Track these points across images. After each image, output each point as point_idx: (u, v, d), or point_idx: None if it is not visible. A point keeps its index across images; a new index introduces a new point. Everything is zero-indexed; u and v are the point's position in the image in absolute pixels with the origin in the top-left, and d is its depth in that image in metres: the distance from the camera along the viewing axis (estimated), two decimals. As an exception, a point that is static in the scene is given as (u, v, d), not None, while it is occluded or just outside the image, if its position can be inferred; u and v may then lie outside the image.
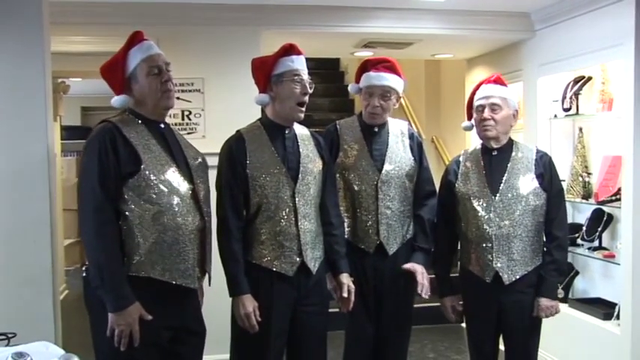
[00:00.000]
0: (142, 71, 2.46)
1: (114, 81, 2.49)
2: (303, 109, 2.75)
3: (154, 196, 2.37)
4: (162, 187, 2.39)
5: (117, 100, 2.48)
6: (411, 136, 3.19)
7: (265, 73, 2.75)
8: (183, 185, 2.46)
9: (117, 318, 2.29)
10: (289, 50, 2.76)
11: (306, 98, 2.75)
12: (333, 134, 3.14)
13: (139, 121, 2.48)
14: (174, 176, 2.44)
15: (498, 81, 3.04)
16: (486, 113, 2.95)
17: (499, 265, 2.90)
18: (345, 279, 2.85)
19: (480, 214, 2.94)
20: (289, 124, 2.80)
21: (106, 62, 2.53)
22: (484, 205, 2.93)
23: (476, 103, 3.02)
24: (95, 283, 2.32)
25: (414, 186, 3.15)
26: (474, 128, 3.07)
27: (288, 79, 2.71)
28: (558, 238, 2.95)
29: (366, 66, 3.12)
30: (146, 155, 2.39)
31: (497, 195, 2.92)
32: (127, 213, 2.34)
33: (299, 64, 2.74)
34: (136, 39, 2.50)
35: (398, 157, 3.10)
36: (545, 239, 3.00)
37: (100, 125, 2.45)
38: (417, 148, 3.18)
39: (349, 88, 3.26)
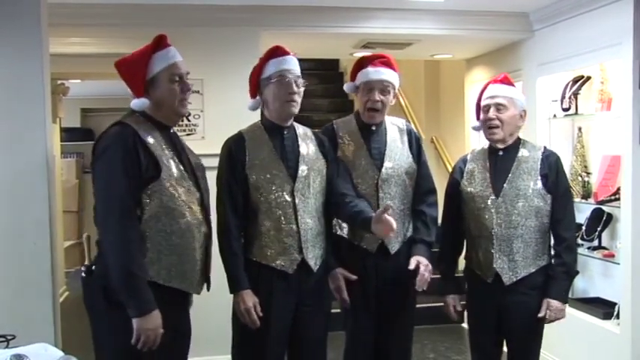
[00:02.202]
0: (165, 77, 2.46)
1: (133, 82, 2.47)
2: (294, 103, 2.75)
3: (170, 203, 2.38)
4: (176, 194, 2.40)
5: (136, 103, 2.45)
6: (409, 133, 3.18)
7: (255, 78, 2.80)
8: (193, 192, 2.48)
9: (143, 322, 2.27)
10: (274, 52, 2.79)
11: (295, 97, 2.75)
12: (330, 133, 3.12)
13: (152, 125, 2.48)
14: (186, 183, 2.46)
15: (505, 81, 3.04)
16: (491, 113, 2.95)
17: (499, 265, 2.90)
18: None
19: (482, 213, 2.93)
20: (285, 122, 2.82)
21: (124, 59, 2.51)
22: (486, 205, 2.93)
23: (482, 103, 3.01)
24: (119, 289, 2.28)
25: (413, 183, 3.14)
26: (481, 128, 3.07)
27: (274, 80, 2.74)
28: (566, 239, 2.94)
29: (363, 63, 3.10)
30: (163, 161, 2.40)
31: (500, 195, 2.92)
32: (143, 218, 2.34)
33: (285, 64, 2.75)
34: (161, 43, 2.50)
35: (397, 154, 3.09)
36: (552, 241, 2.99)
37: (118, 127, 2.42)
38: (415, 144, 3.16)
39: (345, 86, 3.23)
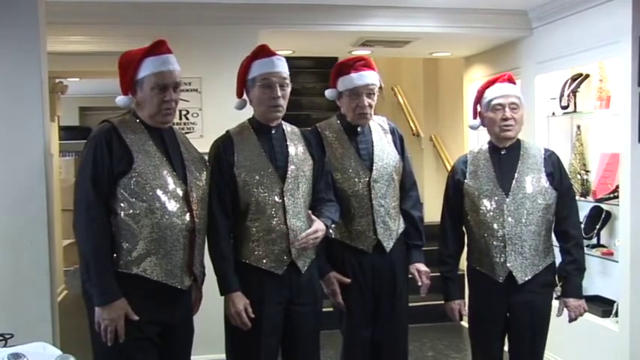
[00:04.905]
0: (149, 83, 2.49)
1: (123, 79, 2.54)
2: (279, 107, 2.75)
3: (144, 195, 2.42)
4: (153, 186, 2.44)
5: (121, 100, 2.55)
6: (392, 131, 3.18)
7: (241, 77, 2.80)
8: (175, 186, 2.49)
9: (102, 312, 2.36)
10: (259, 53, 2.77)
11: (279, 101, 2.73)
12: (316, 137, 3.08)
13: (139, 123, 2.53)
14: (167, 177, 2.48)
15: (512, 80, 3.03)
16: (508, 113, 2.93)
17: (512, 264, 2.88)
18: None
19: (491, 213, 2.92)
20: (272, 123, 2.81)
21: (128, 52, 2.56)
22: (495, 204, 2.91)
23: (493, 102, 2.96)
24: (83, 277, 2.41)
25: (399, 180, 3.15)
26: (480, 127, 3.06)
27: (258, 83, 2.73)
28: (575, 237, 2.96)
29: (343, 69, 3.07)
30: (139, 155, 2.44)
31: (509, 194, 2.90)
32: (118, 211, 2.41)
33: (270, 67, 2.73)
34: (157, 49, 2.52)
35: (384, 153, 3.09)
36: (559, 238, 2.99)
37: (99, 125, 2.52)
38: (399, 142, 3.17)
39: (327, 93, 3.19)
